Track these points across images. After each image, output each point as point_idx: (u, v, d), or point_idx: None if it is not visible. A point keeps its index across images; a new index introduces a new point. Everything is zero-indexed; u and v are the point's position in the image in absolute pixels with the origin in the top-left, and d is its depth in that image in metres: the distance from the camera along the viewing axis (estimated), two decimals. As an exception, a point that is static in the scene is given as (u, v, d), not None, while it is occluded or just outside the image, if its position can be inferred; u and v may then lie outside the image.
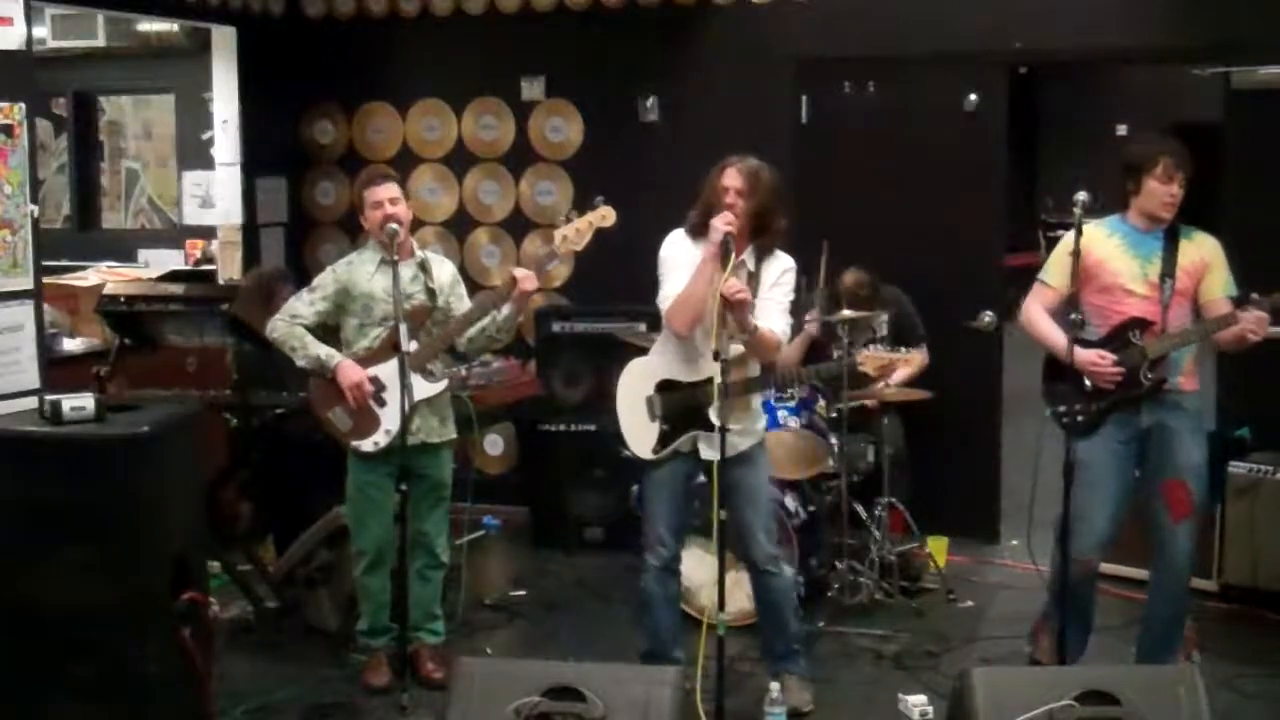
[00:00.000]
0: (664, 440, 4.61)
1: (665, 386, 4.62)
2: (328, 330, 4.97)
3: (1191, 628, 4.91)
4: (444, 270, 5.09)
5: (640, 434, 4.65)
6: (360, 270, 4.95)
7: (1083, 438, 4.60)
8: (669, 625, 4.76)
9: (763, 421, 4.77)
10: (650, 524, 4.71)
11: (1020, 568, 6.15)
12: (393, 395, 4.77)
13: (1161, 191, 4.59)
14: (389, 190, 4.90)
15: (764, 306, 4.50)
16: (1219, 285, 4.64)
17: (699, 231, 4.53)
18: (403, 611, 4.85)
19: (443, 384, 4.96)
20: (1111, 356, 4.59)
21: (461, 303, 5.05)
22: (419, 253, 5.05)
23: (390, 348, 4.77)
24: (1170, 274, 4.60)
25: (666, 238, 4.66)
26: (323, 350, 4.89)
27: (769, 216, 4.50)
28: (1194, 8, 6.18)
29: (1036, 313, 4.77)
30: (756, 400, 4.71)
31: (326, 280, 4.99)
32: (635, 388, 4.68)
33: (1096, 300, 4.67)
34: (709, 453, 4.51)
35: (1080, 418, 4.64)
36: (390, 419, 4.81)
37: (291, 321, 4.91)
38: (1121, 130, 15.10)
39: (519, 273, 4.80)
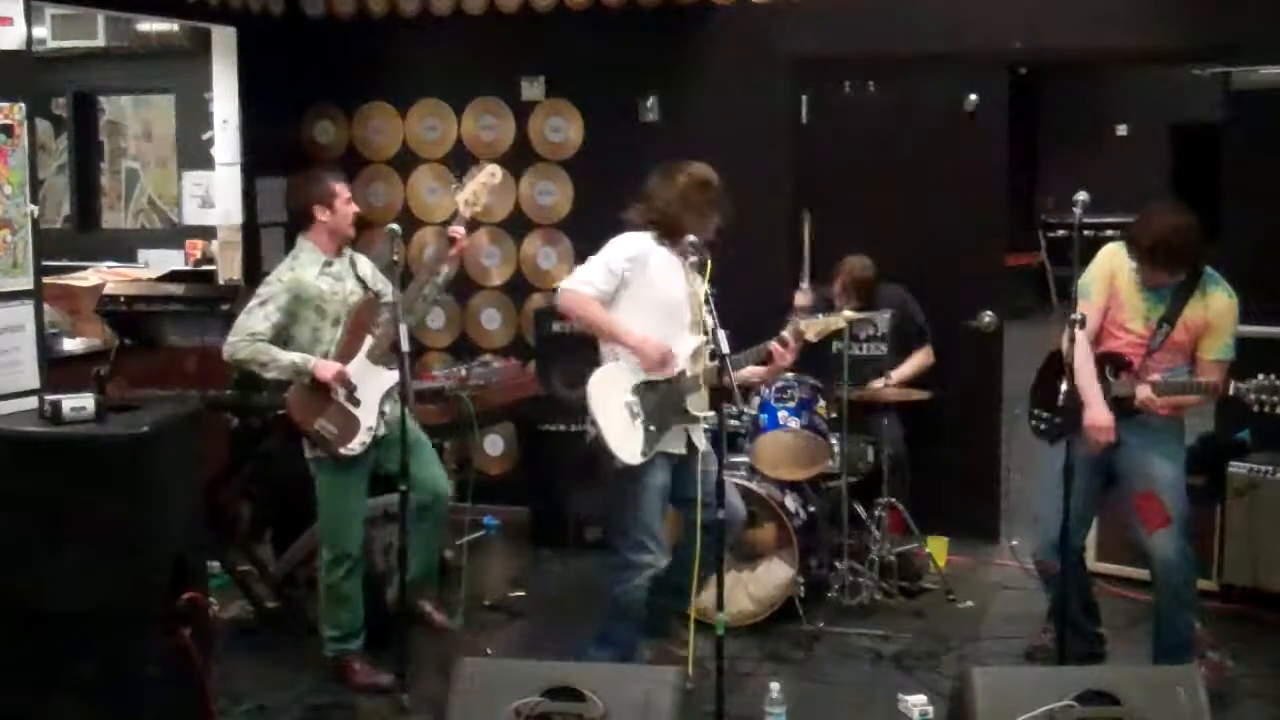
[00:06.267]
0: (650, 441, 4.66)
1: (643, 387, 4.68)
2: (277, 342, 4.87)
3: (1201, 629, 4.92)
4: (363, 261, 5.11)
5: (625, 439, 4.65)
6: (306, 272, 4.91)
7: (1050, 443, 4.83)
8: (641, 632, 4.90)
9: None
10: (643, 530, 4.73)
11: (1020, 568, 6.16)
12: (365, 393, 4.81)
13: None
14: (347, 188, 5.03)
15: None
16: (1212, 348, 4.68)
17: (670, 237, 4.71)
18: (403, 613, 4.84)
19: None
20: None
21: (388, 286, 5.00)
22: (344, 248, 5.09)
23: (348, 349, 4.82)
24: (1170, 321, 4.67)
25: (634, 236, 4.76)
26: (296, 356, 4.82)
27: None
28: (1194, 8, 6.18)
29: (1083, 355, 4.63)
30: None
31: (276, 290, 4.88)
32: (609, 395, 4.68)
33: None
34: (702, 442, 4.73)
35: (1043, 426, 4.90)
36: (367, 417, 4.83)
37: (252, 339, 4.79)
38: (1121, 130, 15.11)
39: (456, 231, 4.90)
